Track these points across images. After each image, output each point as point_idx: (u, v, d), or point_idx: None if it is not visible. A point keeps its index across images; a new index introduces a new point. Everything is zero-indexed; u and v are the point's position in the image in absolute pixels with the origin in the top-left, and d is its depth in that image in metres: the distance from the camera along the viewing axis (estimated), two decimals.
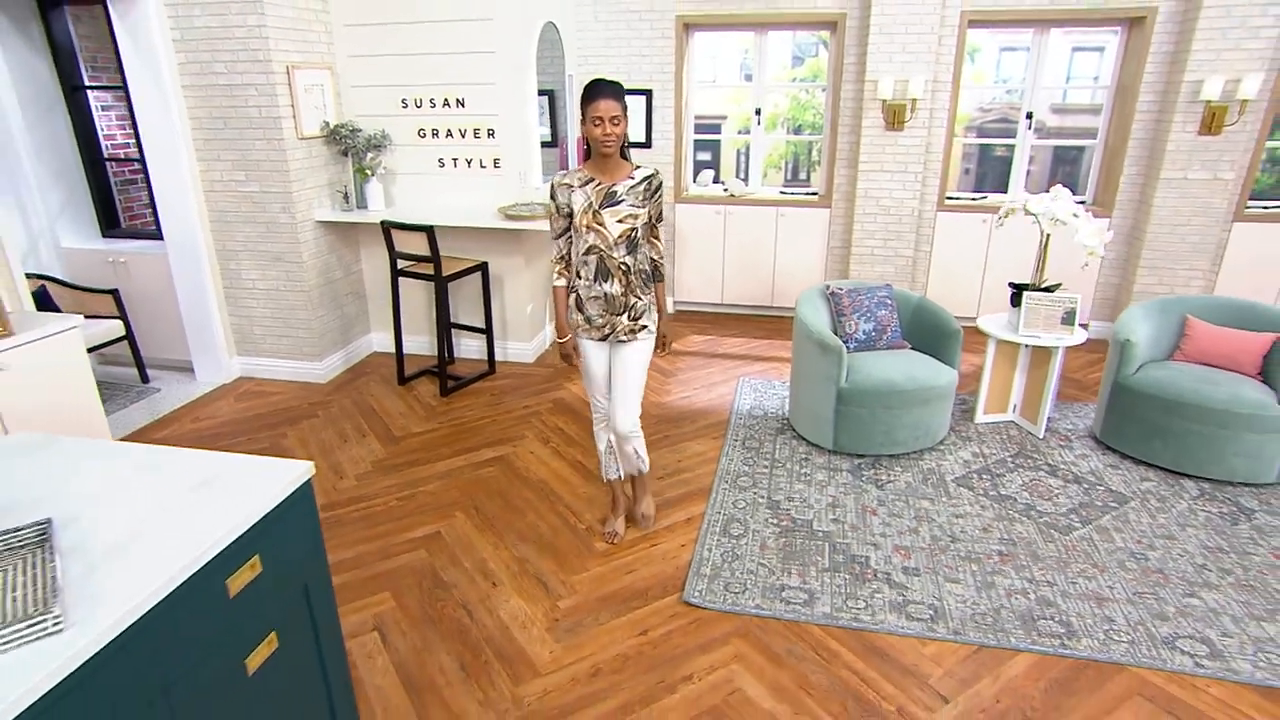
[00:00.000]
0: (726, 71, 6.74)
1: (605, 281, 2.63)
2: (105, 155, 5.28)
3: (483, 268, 4.79)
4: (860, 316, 3.93)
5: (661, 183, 2.64)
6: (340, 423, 4.22)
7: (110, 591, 1.34)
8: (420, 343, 5.24)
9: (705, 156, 7.00)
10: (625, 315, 2.67)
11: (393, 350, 5.21)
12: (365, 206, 4.92)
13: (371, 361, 5.21)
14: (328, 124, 4.76)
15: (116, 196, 5.40)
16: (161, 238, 5.16)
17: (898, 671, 2.40)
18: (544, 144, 5.52)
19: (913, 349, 4.00)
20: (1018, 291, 3.95)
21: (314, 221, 4.73)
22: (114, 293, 4.71)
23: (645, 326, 2.71)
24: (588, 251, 2.62)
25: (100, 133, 5.25)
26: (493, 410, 4.39)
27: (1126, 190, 5.34)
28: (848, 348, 3.89)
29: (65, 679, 1.20)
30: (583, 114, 2.49)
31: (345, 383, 4.82)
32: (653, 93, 5.85)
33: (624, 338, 2.70)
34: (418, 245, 4.44)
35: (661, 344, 2.84)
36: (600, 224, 2.58)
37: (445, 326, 4.75)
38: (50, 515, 1.52)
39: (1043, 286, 3.95)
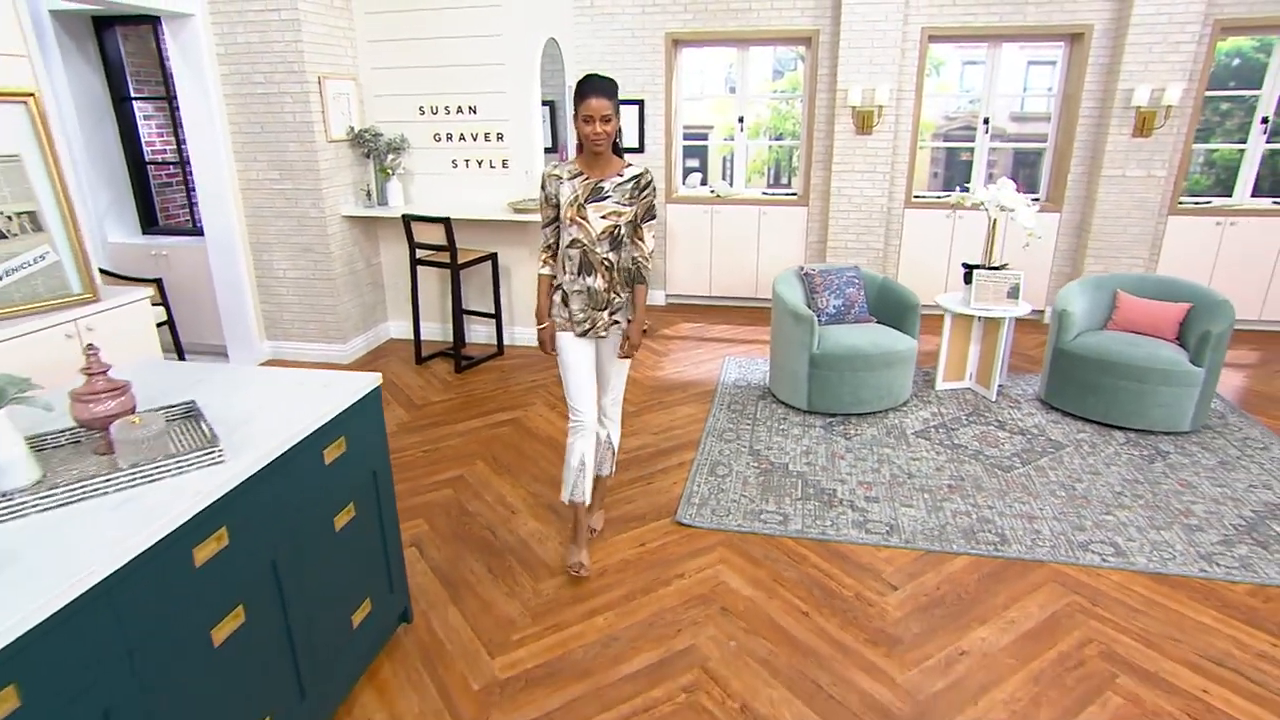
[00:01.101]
0: (713, 84, 7.25)
1: (589, 276, 2.59)
2: (147, 159, 5.73)
3: (493, 258, 5.25)
4: (830, 293, 4.39)
5: (651, 181, 2.57)
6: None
7: (248, 444, 1.78)
8: (434, 329, 5.68)
9: (694, 163, 7.50)
10: (605, 311, 2.64)
11: (409, 337, 5.64)
12: (386, 203, 5.38)
13: (390, 346, 5.64)
14: (353, 129, 5.23)
15: (155, 197, 5.84)
16: (196, 233, 5.61)
17: (856, 569, 2.84)
18: (545, 150, 6.00)
19: (878, 322, 4.46)
20: (970, 271, 4.43)
21: (340, 216, 5.18)
22: (158, 282, 5.13)
23: (618, 322, 2.68)
24: (571, 245, 2.58)
25: (143, 139, 5.70)
26: (503, 384, 4.82)
27: (1073, 188, 5.86)
28: (819, 320, 4.35)
29: (227, 493, 1.64)
30: (575, 110, 2.46)
31: (367, 363, 5.25)
32: (644, 102, 6.34)
33: (602, 333, 2.66)
34: (435, 236, 4.90)
35: (624, 344, 2.69)
36: (584, 218, 2.54)
37: (459, 311, 5.20)
38: (193, 399, 1.96)
39: (991, 266, 4.43)
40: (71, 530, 1.43)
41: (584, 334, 2.66)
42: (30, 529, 1.44)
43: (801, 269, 4.54)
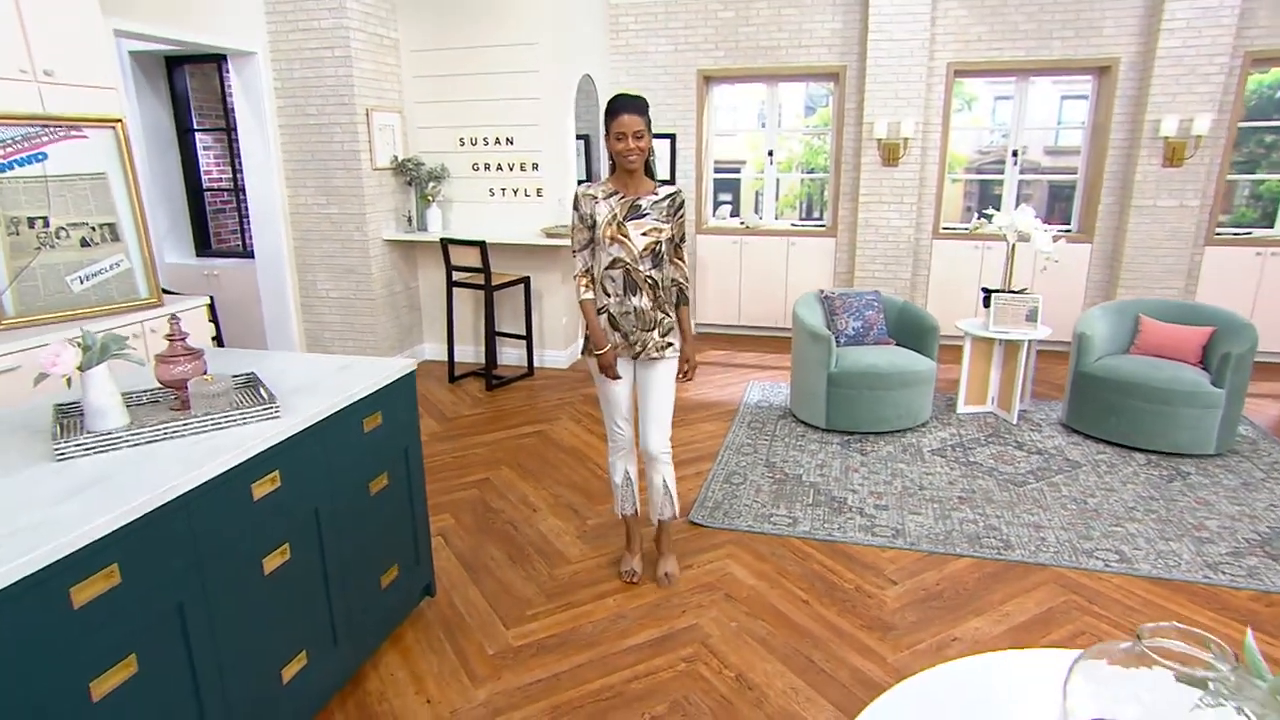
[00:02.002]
0: (745, 120, 7.67)
1: (634, 295, 2.62)
2: (204, 186, 6.32)
3: (525, 281, 5.65)
4: (850, 315, 4.67)
5: (684, 202, 2.65)
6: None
7: (299, 407, 2.13)
8: (466, 350, 6.07)
9: (727, 197, 7.89)
10: (655, 331, 2.66)
11: (443, 358, 6.04)
12: (425, 229, 5.84)
13: (424, 367, 6.04)
14: (396, 158, 5.73)
15: (209, 221, 6.42)
16: (246, 255, 6.14)
17: (859, 566, 3.06)
18: (579, 183, 6.44)
19: (898, 345, 4.71)
20: (989, 295, 4.66)
21: (382, 240, 5.65)
22: (209, 300, 5.63)
23: (671, 344, 2.70)
24: (612, 265, 2.61)
25: (202, 168, 6.30)
26: (531, 401, 5.16)
27: (1105, 219, 6.07)
28: (838, 342, 4.62)
29: (281, 442, 1.98)
30: (606, 129, 2.54)
31: None
32: (676, 137, 6.77)
33: (654, 355, 2.67)
34: (471, 259, 5.32)
35: (684, 368, 2.77)
36: (625, 236, 2.57)
37: (491, 333, 5.58)
38: (253, 370, 2.33)
39: (1010, 290, 4.66)
40: (156, 460, 1.78)
41: (634, 356, 2.69)
42: (123, 459, 1.79)
43: (821, 292, 4.83)
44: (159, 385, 2.19)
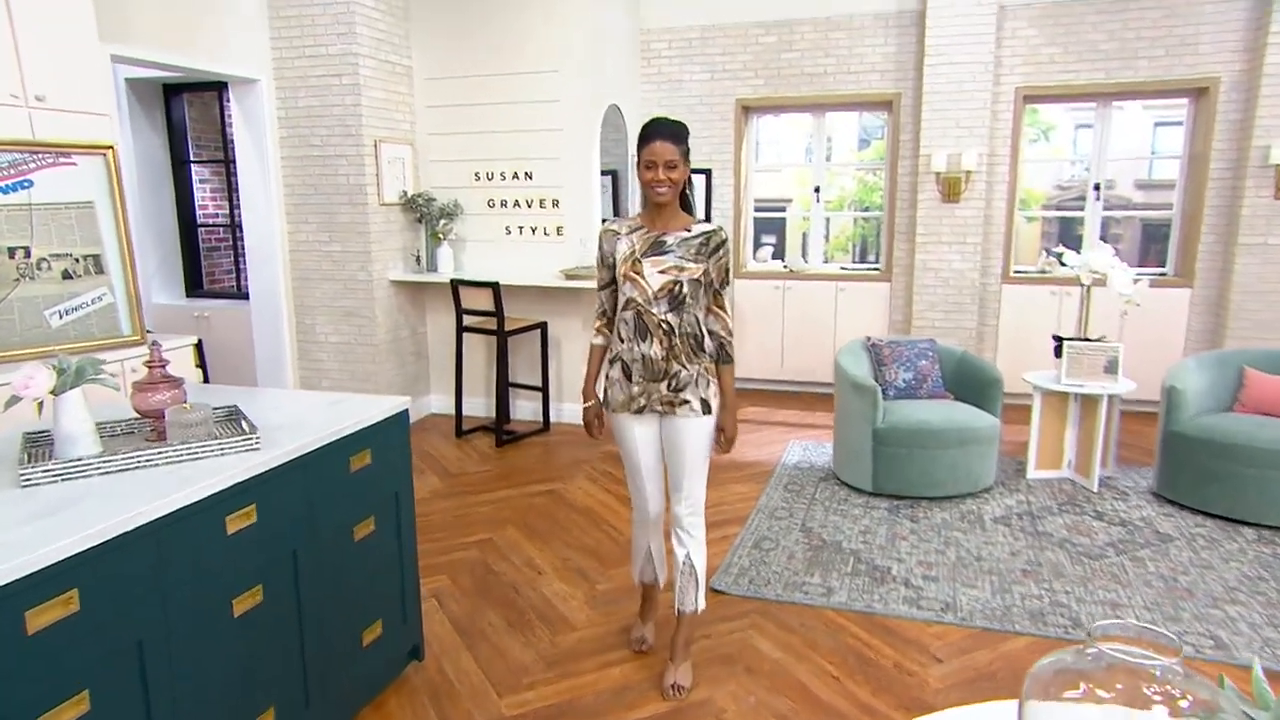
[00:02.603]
0: (791, 153, 7.89)
1: (644, 341, 2.62)
2: (199, 222, 6.68)
3: (542, 327, 5.83)
4: (900, 366, 4.73)
5: (725, 241, 2.62)
6: None
7: (281, 440, 2.27)
8: (477, 404, 6.23)
9: (771, 239, 8.07)
10: (664, 383, 2.63)
11: (450, 412, 6.20)
12: (435, 269, 6.08)
13: (430, 421, 6.22)
14: (405, 193, 6.02)
15: (202, 260, 6.76)
16: (240, 296, 6.43)
17: (900, 641, 3.07)
18: (603, 222, 6.66)
19: (956, 399, 4.74)
20: (1060, 343, 4.70)
21: (388, 281, 5.90)
22: (197, 344, 5.90)
23: (688, 401, 2.63)
24: (626, 305, 2.64)
25: (197, 202, 6.67)
26: (546, 459, 5.27)
27: (1206, 260, 6.08)
28: (887, 395, 4.67)
29: (260, 474, 2.12)
30: (637, 156, 2.58)
31: None
32: (712, 172, 6.99)
33: (660, 408, 2.66)
34: (483, 302, 5.52)
35: (720, 438, 2.75)
36: (639, 273, 2.59)
37: (504, 383, 5.74)
38: (236, 404, 2.48)
39: (1085, 338, 4.68)
40: (125, 488, 1.92)
41: (640, 410, 2.67)
42: (91, 486, 1.94)
43: (868, 340, 4.91)
44: (136, 416, 2.35)
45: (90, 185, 3.81)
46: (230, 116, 5.97)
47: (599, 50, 6.13)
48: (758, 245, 7.41)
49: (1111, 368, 4.58)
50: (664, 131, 2.56)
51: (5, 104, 3.55)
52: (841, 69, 6.52)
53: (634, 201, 7.07)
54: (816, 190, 6.99)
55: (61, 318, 3.70)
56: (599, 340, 2.78)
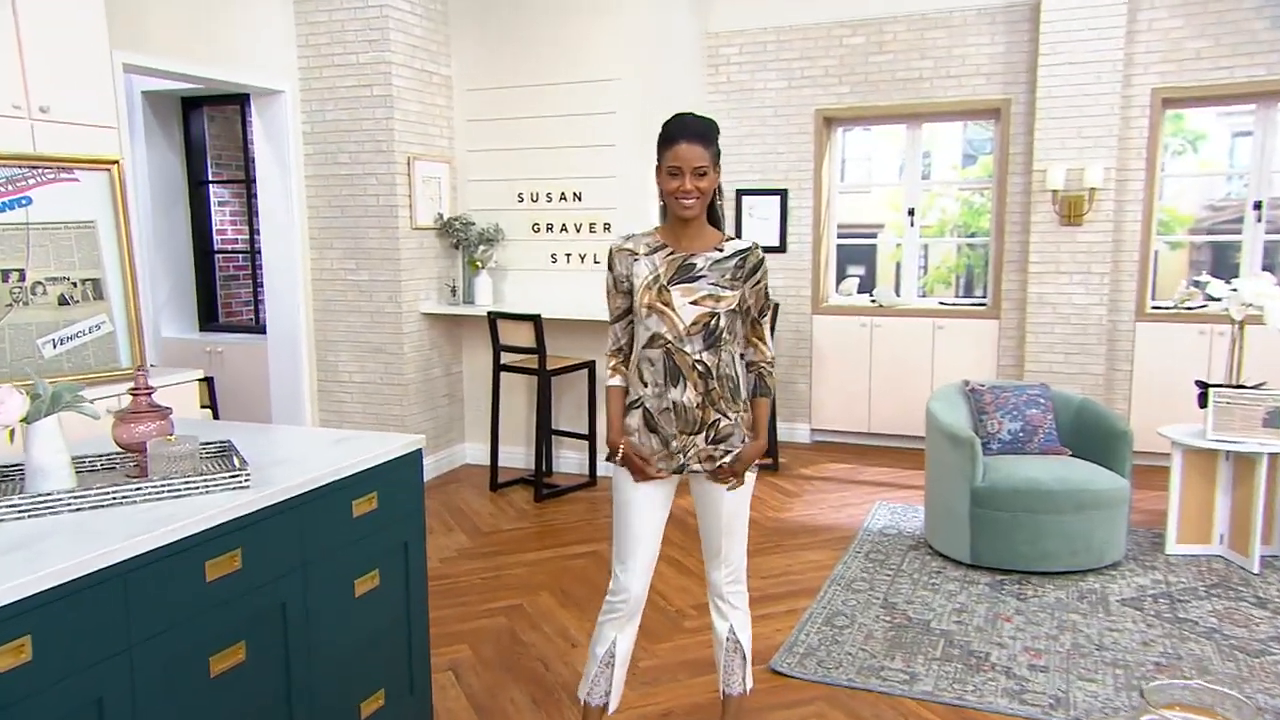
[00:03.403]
0: (882, 172, 7.86)
1: (675, 386, 2.54)
2: (215, 248, 6.95)
3: (590, 366, 5.87)
4: (1005, 414, 4.61)
5: (763, 260, 2.58)
6: (426, 518, 5.21)
7: (275, 478, 2.32)
8: (516, 454, 6.27)
9: (858, 269, 8.01)
10: (701, 435, 2.56)
11: (485, 463, 6.26)
12: (473, 301, 6.20)
13: (463, 472, 6.29)
14: (441, 216, 6.17)
15: (219, 290, 7.02)
16: (258, 331, 6.64)
17: None
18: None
19: (1073, 455, 4.59)
20: (1205, 391, 4.52)
21: (419, 313, 6.03)
22: (209, 380, 6.10)
23: (729, 453, 2.59)
24: (651, 343, 2.55)
25: (214, 226, 6.95)
26: (590, 515, 5.27)
27: None
28: (989, 449, 4.55)
29: (247, 515, 2.16)
30: (658, 160, 2.48)
31: (434, 488, 5.89)
32: (788, 193, 7.00)
33: (696, 467, 2.58)
34: (524, 337, 5.59)
35: (735, 468, 2.59)
36: (667, 304, 2.51)
37: (545, 429, 5.78)
38: (229, 439, 2.56)
39: (1237, 385, 4.50)
40: (96, 526, 1.98)
41: (681, 469, 2.59)
42: (59, 524, 2.00)
43: (966, 384, 4.80)
44: (118, 450, 2.43)
45: (93, 203, 4.00)
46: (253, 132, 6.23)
47: (660, 57, 6.23)
48: (842, 276, 7.36)
49: (1273, 420, 4.38)
50: (691, 131, 2.45)
51: (7, 115, 3.75)
52: (940, 72, 6.49)
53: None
54: (911, 213, 6.93)
55: (55, 347, 3.87)
56: (617, 381, 2.66)
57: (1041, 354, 6.23)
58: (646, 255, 2.57)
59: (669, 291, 2.51)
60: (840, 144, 7.15)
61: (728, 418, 2.57)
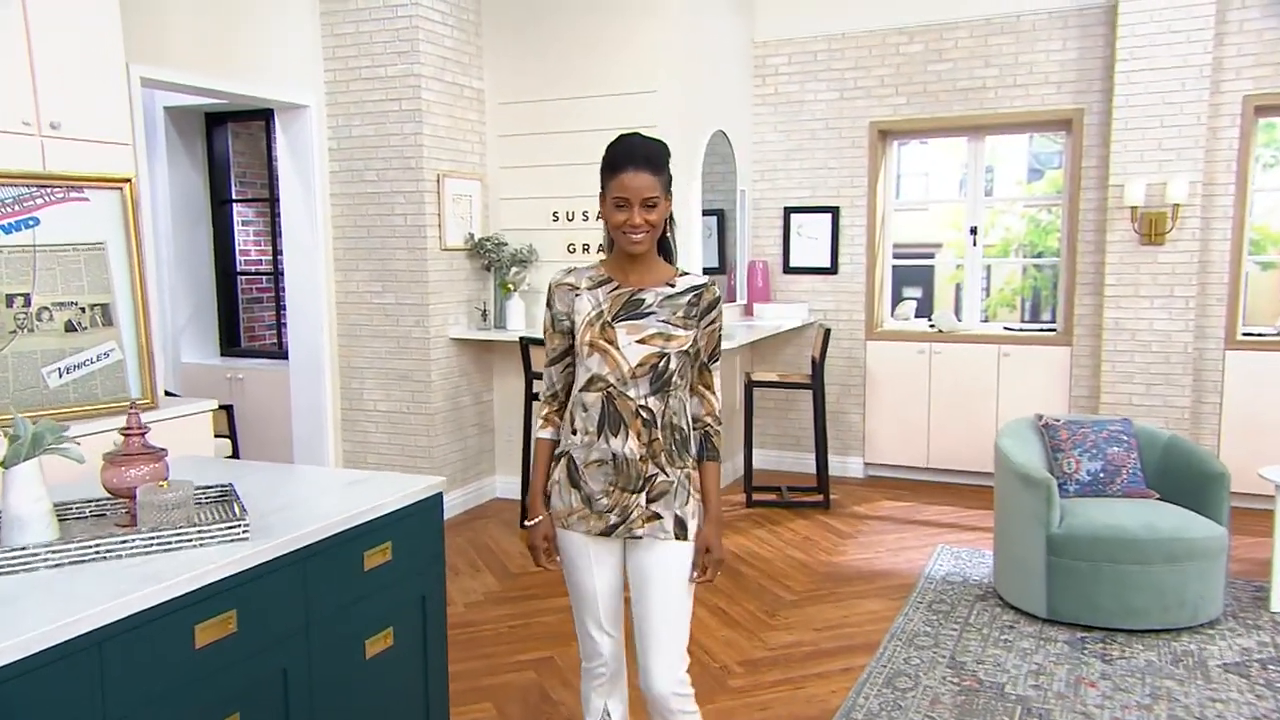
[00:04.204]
0: (941, 188, 7.65)
1: (616, 435, 2.34)
2: (239, 269, 6.90)
3: None
4: (1083, 453, 4.37)
5: (719, 300, 2.41)
6: (451, 557, 5.07)
7: (278, 528, 2.18)
8: None
9: (915, 292, 7.80)
10: (642, 494, 2.35)
11: (516, 497, 6.11)
12: (504, 326, 6.07)
13: (493, 506, 6.16)
14: (472, 236, 6.06)
15: (241, 313, 6.96)
16: (280, 356, 6.57)
17: None
18: (708, 270, 6.54)
19: (1161, 499, 4.33)
20: None
21: (448, 339, 5.91)
22: (228, 409, 6.03)
23: (658, 518, 2.36)
24: (589, 385, 2.37)
25: (237, 246, 6.91)
26: None
27: None
28: (1066, 490, 4.31)
29: (244, 572, 2.01)
30: (602, 189, 2.33)
31: (462, 523, 5.75)
32: (840, 210, 6.81)
33: (640, 530, 2.36)
34: None
35: (705, 563, 2.41)
36: (610, 342, 2.33)
37: None
38: (230, 482, 2.42)
39: None
40: (75, 585, 1.84)
41: (609, 531, 2.37)
42: (34, 581, 1.86)
43: (1040, 419, 4.57)
44: (108, 496, 2.30)
45: (103, 224, 3.92)
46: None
47: (703, 68, 6.12)
48: (897, 299, 7.15)
49: None
50: (639, 157, 2.27)
51: (16, 132, 3.69)
52: (1006, 81, 6.29)
53: (743, 248, 6.96)
54: (973, 231, 6.70)
55: (61, 376, 3.77)
56: (547, 433, 2.48)
57: (1119, 384, 5.96)
58: (589, 290, 2.40)
59: (613, 328, 2.34)
60: (895, 158, 6.96)
61: (666, 474, 2.36)
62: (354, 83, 5.74)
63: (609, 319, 2.34)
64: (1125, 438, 4.43)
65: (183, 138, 6.64)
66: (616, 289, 2.38)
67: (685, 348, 2.35)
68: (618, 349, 2.33)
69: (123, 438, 2.24)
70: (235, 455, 5.96)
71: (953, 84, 6.43)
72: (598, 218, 2.46)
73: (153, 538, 2.02)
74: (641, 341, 2.32)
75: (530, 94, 6.07)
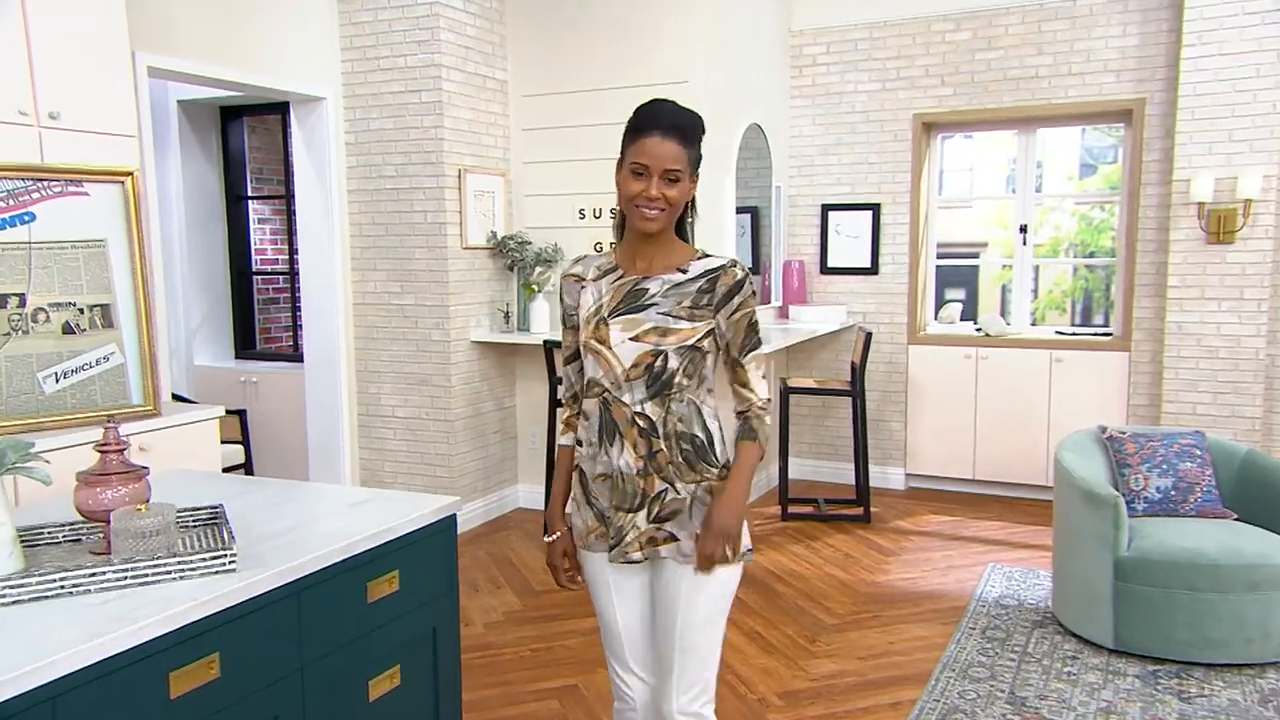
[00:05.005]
0: (985, 184, 7.37)
1: (613, 445, 2.13)
2: (254, 269, 6.74)
3: None
4: (1152, 468, 4.09)
5: (743, 283, 2.12)
6: (471, 572, 4.88)
7: (271, 557, 1.97)
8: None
9: (958, 294, 7.52)
10: (642, 512, 2.12)
11: (540, 507, 5.91)
12: (527, 328, 5.87)
13: (515, 517, 5.97)
14: (495, 234, 5.86)
15: (256, 314, 6.81)
16: (296, 359, 6.40)
17: None
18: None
19: (1238, 519, 4.06)
20: None
21: (469, 342, 5.72)
22: (241, 414, 5.86)
23: (675, 540, 2.12)
24: (588, 390, 2.19)
25: (253, 245, 6.75)
26: None
27: None
28: (1134, 509, 4.04)
29: (228, 609, 1.80)
30: (621, 154, 2.11)
31: (482, 535, 5.56)
32: (881, 208, 6.56)
33: (636, 555, 2.13)
34: None
35: (707, 550, 2.08)
36: (603, 341, 2.13)
37: None
38: (221, 503, 2.21)
39: None
40: (33, 626, 1.63)
41: (614, 550, 2.15)
42: None
43: (1103, 430, 4.31)
44: (83, 519, 2.09)
45: (104, 219, 3.74)
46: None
47: (737, 57, 5.91)
48: (941, 302, 6.88)
49: None
50: (666, 123, 2.05)
51: (12, 123, 3.55)
52: (1060, 70, 6.01)
53: (777, 246, 6.72)
54: (1023, 229, 6.42)
55: (58, 381, 3.60)
56: (568, 439, 2.31)
57: (1182, 393, 5.66)
58: (594, 281, 2.21)
59: (607, 326, 2.13)
60: (939, 153, 6.69)
61: (677, 490, 2.11)
62: (372, 73, 5.56)
63: (605, 315, 2.14)
64: (1198, 452, 4.15)
65: (196, 133, 6.50)
66: (620, 278, 2.17)
67: (689, 343, 2.09)
68: (609, 349, 2.12)
69: (99, 455, 2.03)
70: (247, 462, 5.80)
71: (1003, 73, 6.16)
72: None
73: (126, 570, 1.81)
74: (635, 339, 2.10)
75: (556, 85, 5.87)
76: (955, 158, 7.42)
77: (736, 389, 2.18)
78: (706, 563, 2.08)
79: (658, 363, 2.09)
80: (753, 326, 2.15)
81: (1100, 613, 3.86)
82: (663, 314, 2.10)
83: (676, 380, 2.10)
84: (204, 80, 4.89)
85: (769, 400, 2.19)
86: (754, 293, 2.16)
